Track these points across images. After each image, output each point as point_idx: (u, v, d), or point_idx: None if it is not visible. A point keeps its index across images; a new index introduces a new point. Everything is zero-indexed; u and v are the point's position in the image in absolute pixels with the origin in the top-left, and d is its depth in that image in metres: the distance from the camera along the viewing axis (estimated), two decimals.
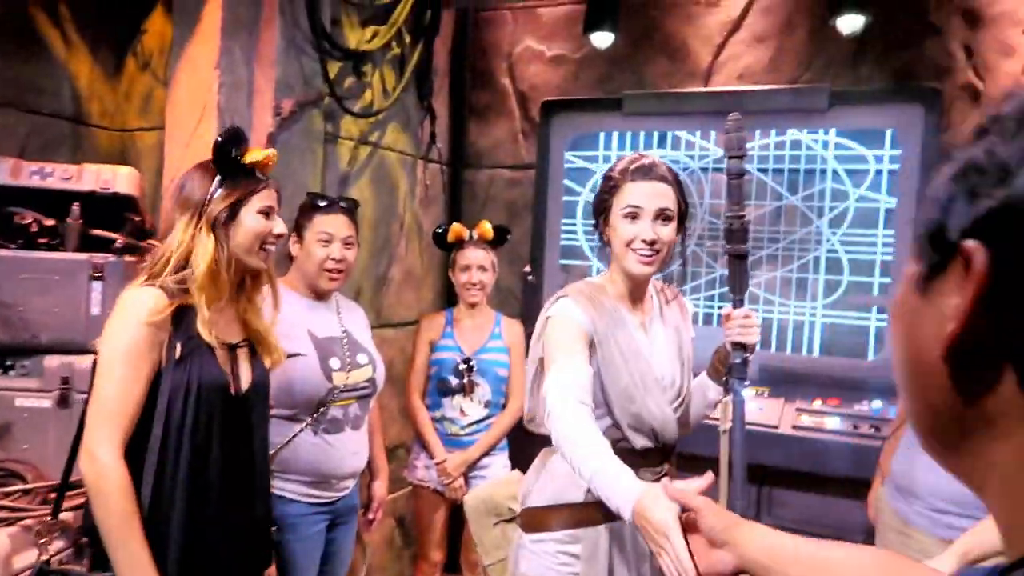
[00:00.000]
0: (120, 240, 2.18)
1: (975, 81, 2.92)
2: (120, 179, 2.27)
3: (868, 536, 2.64)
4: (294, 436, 2.06)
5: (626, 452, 1.51)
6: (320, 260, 2.12)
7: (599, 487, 1.31)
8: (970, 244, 0.41)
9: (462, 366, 2.69)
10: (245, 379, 1.63)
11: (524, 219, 3.57)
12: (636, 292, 1.69)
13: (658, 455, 1.63)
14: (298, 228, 2.16)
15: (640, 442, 1.58)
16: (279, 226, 1.66)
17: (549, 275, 3.45)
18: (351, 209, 2.21)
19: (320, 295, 2.19)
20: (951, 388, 0.43)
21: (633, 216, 1.59)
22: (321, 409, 2.08)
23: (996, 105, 0.44)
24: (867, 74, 3.03)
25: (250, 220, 1.61)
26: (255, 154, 1.62)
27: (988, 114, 0.45)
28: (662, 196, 1.59)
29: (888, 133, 2.95)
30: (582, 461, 1.35)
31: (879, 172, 2.96)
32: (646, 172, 1.59)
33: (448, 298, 3.51)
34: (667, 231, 1.60)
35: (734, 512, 1.51)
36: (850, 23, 2.78)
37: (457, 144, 3.66)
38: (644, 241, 1.58)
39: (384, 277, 3.22)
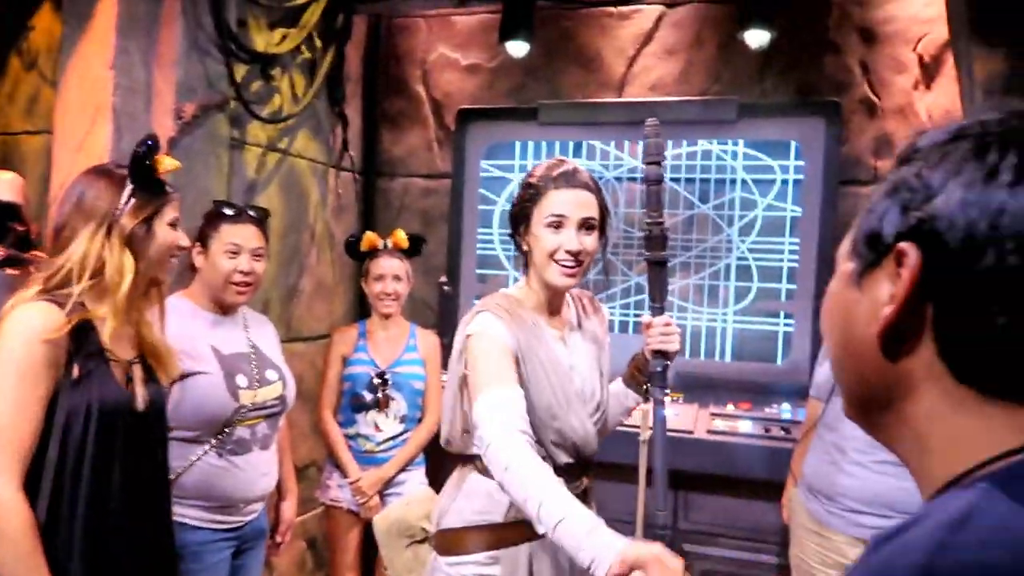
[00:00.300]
0: (1, 251, 2.01)
1: (871, 96, 3.06)
2: (2, 186, 2.10)
3: (782, 536, 2.70)
4: (196, 459, 1.94)
5: None
6: (227, 272, 2.02)
7: (563, 537, 1.19)
8: (904, 245, 0.52)
9: (376, 380, 2.62)
10: (142, 397, 1.53)
11: (439, 229, 3.52)
12: (554, 303, 1.63)
13: (578, 469, 1.58)
14: (203, 238, 2.04)
15: (562, 458, 1.53)
16: (183, 239, 1.57)
17: (465, 285, 3.41)
18: (261, 219, 2.12)
19: (226, 309, 2.08)
20: (882, 359, 0.55)
21: (557, 225, 1.51)
22: (226, 430, 1.97)
23: (913, 137, 0.58)
24: (772, 87, 3.13)
25: (163, 233, 1.52)
26: (167, 163, 1.52)
27: (910, 144, 0.57)
28: (586, 205, 1.53)
29: (792, 145, 3.05)
30: (538, 505, 1.22)
31: (785, 182, 3.06)
32: (569, 179, 1.53)
33: (361, 310, 3.42)
34: (591, 241, 1.54)
35: (656, 522, 1.50)
36: (757, 38, 2.87)
37: (370, 152, 3.58)
38: (568, 252, 1.51)
39: (294, 288, 3.11)
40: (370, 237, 2.72)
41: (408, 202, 3.62)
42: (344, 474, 2.61)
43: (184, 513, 1.91)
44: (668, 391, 1.61)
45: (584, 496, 1.59)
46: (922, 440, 0.54)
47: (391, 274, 2.67)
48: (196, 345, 1.97)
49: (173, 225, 1.54)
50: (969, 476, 0.50)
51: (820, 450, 2.20)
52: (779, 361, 3.05)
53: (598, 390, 1.65)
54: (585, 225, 1.53)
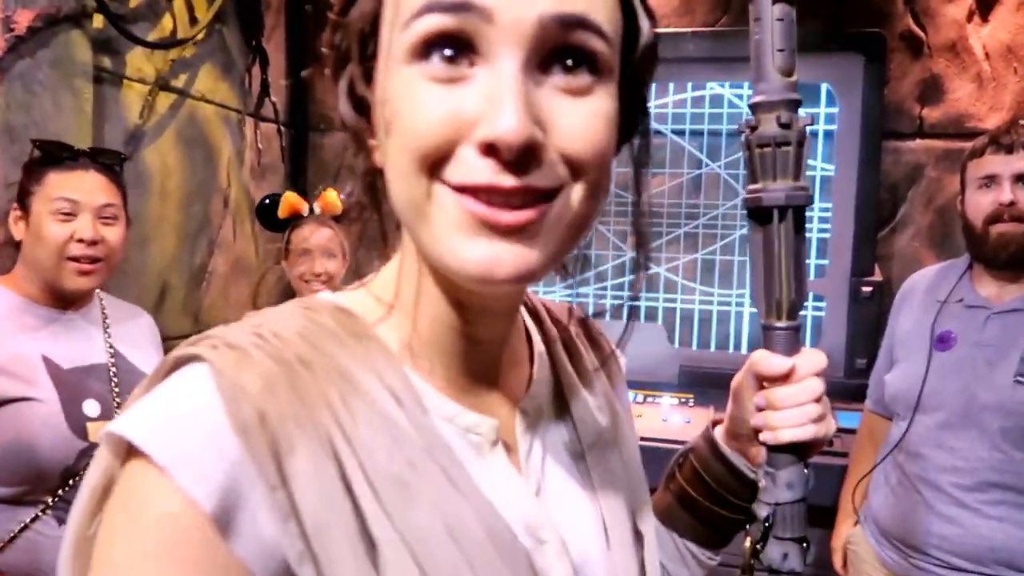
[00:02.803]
0: None
1: (915, 30, 2.51)
2: None
3: (818, 569, 2.18)
4: (21, 529, 1.30)
5: None
6: (58, 242, 1.36)
7: None
8: None
9: None
10: None
11: None
12: (493, 332, 0.57)
13: None
14: (22, 197, 1.38)
15: None
16: None
17: None
18: (110, 165, 1.46)
19: (67, 301, 1.43)
20: None
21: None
22: (70, 482, 1.33)
23: None
24: (798, 18, 2.54)
25: None
26: None
27: None
28: None
29: (823, 88, 2.48)
30: None
31: (814, 134, 2.50)
32: None
33: (294, 294, 2.76)
34: None
35: None
36: None
37: (299, 100, 2.91)
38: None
39: (202, 270, 2.44)
40: (290, 199, 2.06)
41: (350, 161, 2.95)
42: None
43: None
44: (806, 543, 0.69)
45: None
46: None
47: (320, 248, 2.03)
48: (19, 357, 1.32)
49: None
50: None
51: (898, 484, 1.65)
52: None
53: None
54: None
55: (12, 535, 1.30)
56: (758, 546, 0.68)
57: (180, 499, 0.41)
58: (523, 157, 0.42)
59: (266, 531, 0.42)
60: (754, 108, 0.68)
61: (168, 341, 2.27)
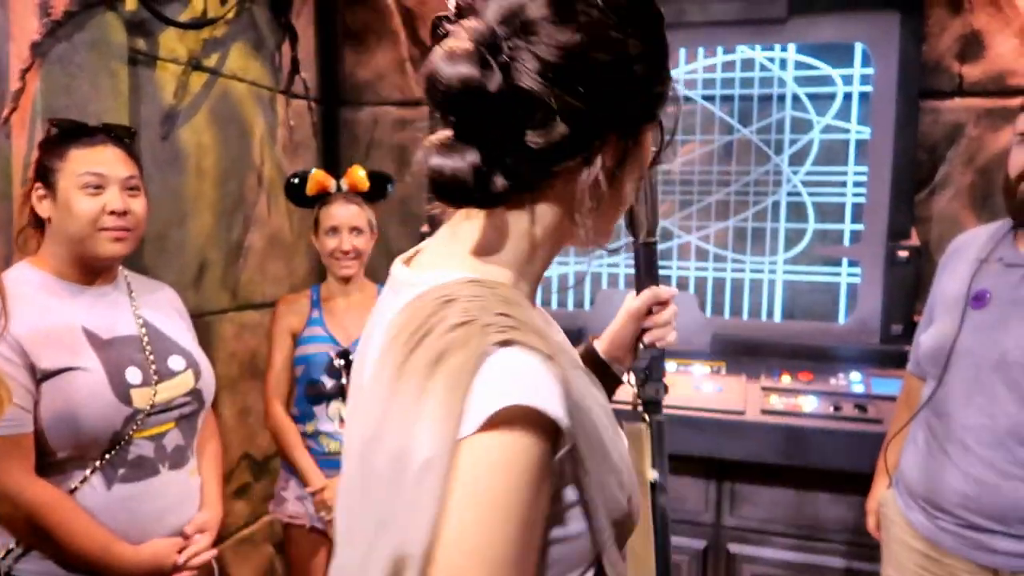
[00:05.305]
0: None
1: None
2: None
3: (854, 536, 2.18)
4: (72, 490, 1.36)
5: None
6: (90, 215, 1.40)
7: None
8: None
9: (338, 361, 2.02)
10: None
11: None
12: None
13: None
14: (43, 175, 1.42)
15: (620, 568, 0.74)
16: None
17: None
18: (123, 139, 1.50)
19: (96, 274, 1.48)
20: None
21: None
22: (117, 447, 1.39)
23: None
24: None
25: None
26: None
27: None
28: None
29: (858, 48, 2.42)
30: None
31: (848, 96, 2.44)
32: None
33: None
34: None
35: None
36: None
37: (329, 76, 2.93)
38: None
39: (239, 246, 2.50)
40: (318, 176, 2.09)
41: (379, 136, 2.98)
42: (303, 483, 2.04)
43: (54, 572, 1.34)
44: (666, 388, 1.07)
45: None
46: None
47: (348, 225, 2.06)
48: (63, 329, 1.38)
49: None
50: None
51: (924, 443, 1.64)
52: (842, 319, 2.47)
53: None
54: None
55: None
56: (643, 386, 1.06)
57: (550, 430, 0.59)
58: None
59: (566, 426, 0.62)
60: None
61: (207, 316, 2.34)
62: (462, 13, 0.67)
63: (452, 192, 0.66)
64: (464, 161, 0.65)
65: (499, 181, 0.65)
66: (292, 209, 2.72)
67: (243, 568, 2.62)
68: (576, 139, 0.65)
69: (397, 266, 0.77)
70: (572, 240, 0.75)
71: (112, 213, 1.41)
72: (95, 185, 1.40)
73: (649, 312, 1.06)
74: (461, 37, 0.64)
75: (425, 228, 2.82)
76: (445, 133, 0.68)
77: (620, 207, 0.75)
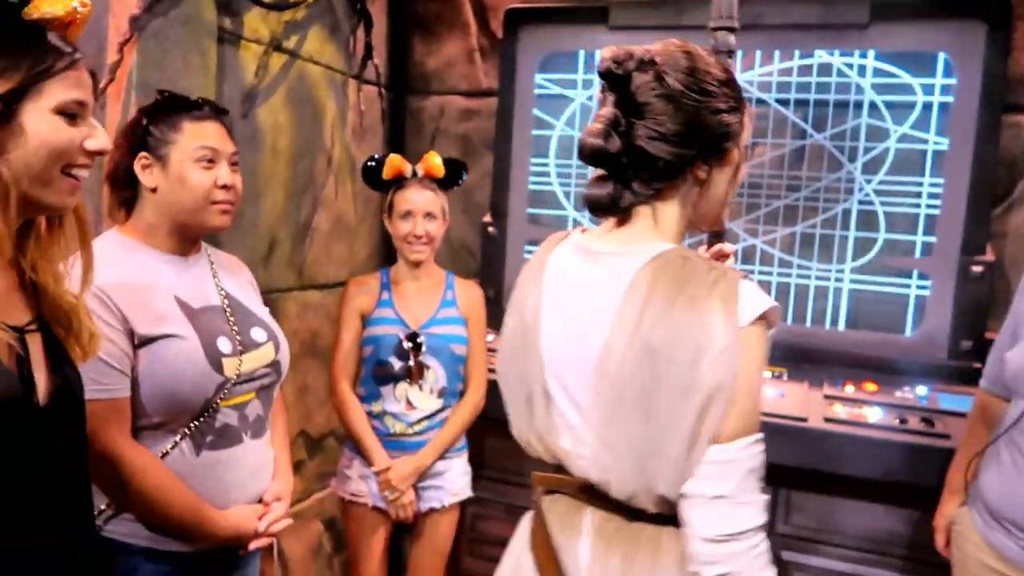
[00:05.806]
0: None
1: None
2: None
3: (908, 550, 2.15)
4: (164, 455, 1.39)
5: None
6: (204, 188, 1.43)
7: None
8: None
9: (407, 344, 2.05)
10: (42, 383, 0.96)
11: (483, 157, 2.91)
12: None
13: None
14: (152, 145, 1.44)
15: None
16: (98, 137, 0.97)
17: (514, 227, 2.82)
18: (221, 116, 1.52)
19: (190, 243, 1.51)
20: None
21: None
22: (206, 414, 1.42)
23: None
24: None
25: (39, 124, 0.91)
26: (50, 4, 0.91)
27: None
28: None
29: (940, 57, 2.38)
30: None
31: (928, 106, 2.40)
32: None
33: (388, 254, 2.84)
34: None
35: None
36: None
37: (399, 64, 2.95)
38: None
39: (307, 226, 2.53)
40: (395, 161, 2.11)
41: (445, 125, 3.00)
42: (368, 462, 2.06)
43: (141, 535, 1.37)
44: None
45: None
46: None
47: (422, 210, 2.08)
48: (160, 297, 1.41)
49: (71, 115, 0.94)
50: None
51: (1011, 464, 1.61)
52: (908, 332, 2.44)
53: None
54: None
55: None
56: None
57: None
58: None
59: None
60: None
61: (274, 293, 2.37)
62: (611, 77, 1.05)
63: (597, 209, 1.08)
64: (603, 191, 1.06)
65: (627, 198, 1.06)
66: (357, 192, 2.74)
67: (293, 542, 2.66)
68: (671, 171, 1.05)
69: (584, 241, 1.13)
70: (691, 226, 1.13)
71: (223, 187, 1.44)
72: (208, 159, 1.43)
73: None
74: (598, 119, 1.04)
75: (487, 218, 2.83)
76: (597, 172, 1.08)
77: (718, 203, 1.12)
